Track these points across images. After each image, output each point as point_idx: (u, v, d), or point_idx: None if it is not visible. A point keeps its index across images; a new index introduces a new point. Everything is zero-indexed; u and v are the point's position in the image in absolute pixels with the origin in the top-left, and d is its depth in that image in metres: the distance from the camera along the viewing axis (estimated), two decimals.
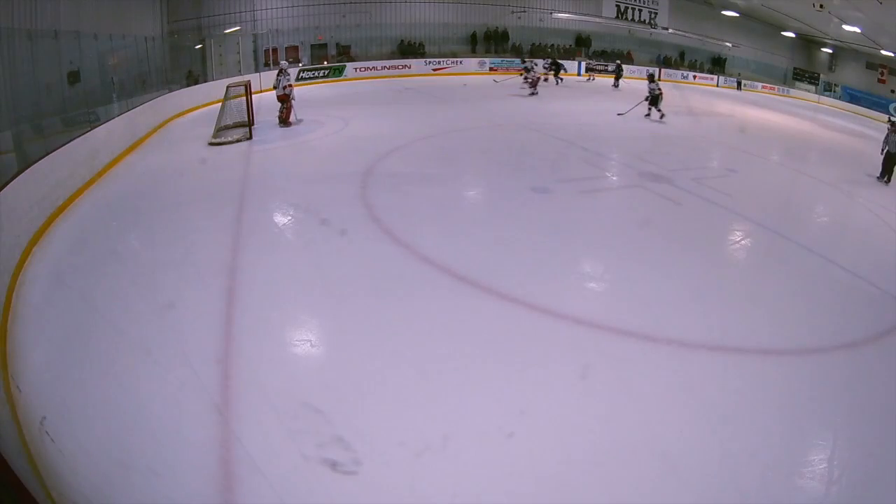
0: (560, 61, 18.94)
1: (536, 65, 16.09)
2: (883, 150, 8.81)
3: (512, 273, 4.21)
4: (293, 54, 18.12)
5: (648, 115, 12.05)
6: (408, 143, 8.54)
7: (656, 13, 22.89)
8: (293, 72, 16.93)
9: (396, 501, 2.22)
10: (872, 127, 18.90)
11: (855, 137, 15.31)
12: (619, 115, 11.78)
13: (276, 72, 9.76)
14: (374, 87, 16.17)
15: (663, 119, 11.69)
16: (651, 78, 12.55)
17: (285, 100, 9.53)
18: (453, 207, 5.93)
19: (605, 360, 3.22)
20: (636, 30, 23.02)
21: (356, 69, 18.12)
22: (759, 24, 23.66)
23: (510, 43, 21.42)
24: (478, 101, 13.86)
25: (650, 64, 23.65)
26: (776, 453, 2.57)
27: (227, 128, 9.05)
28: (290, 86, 9.60)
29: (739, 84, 24.03)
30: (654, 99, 12.06)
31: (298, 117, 10.02)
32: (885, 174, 8.74)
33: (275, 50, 17.61)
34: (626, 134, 10.23)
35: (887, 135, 8.76)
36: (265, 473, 2.26)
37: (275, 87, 9.43)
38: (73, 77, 7.92)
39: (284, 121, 9.62)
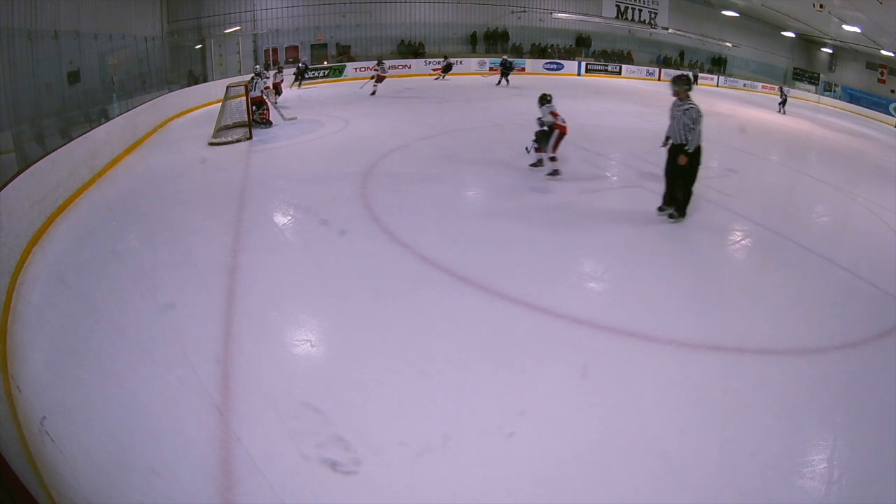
0: (307, 66, 16.37)
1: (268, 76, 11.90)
2: (666, 141, 5.28)
3: (512, 273, 4.21)
4: (293, 54, 18.14)
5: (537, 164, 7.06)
6: (408, 143, 8.54)
7: (656, 13, 22.91)
8: (286, 71, 16.92)
9: (396, 501, 2.22)
10: (872, 127, 18.93)
11: (855, 137, 15.32)
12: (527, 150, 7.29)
13: (251, 75, 9.80)
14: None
15: (554, 173, 6.79)
16: (543, 101, 6.67)
17: (261, 102, 9.57)
18: (453, 207, 5.93)
19: (605, 360, 3.22)
20: (636, 30, 23.03)
21: (356, 69, 18.14)
22: (759, 24, 23.70)
23: (510, 43, 21.44)
24: (478, 102, 13.87)
25: (650, 64, 23.61)
26: (776, 453, 2.57)
27: (227, 128, 9.07)
28: (268, 88, 9.72)
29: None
30: (542, 134, 6.80)
31: (287, 116, 10.04)
32: (671, 201, 5.46)
33: (275, 50, 17.63)
34: (626, 134, 10.23)
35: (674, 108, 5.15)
36: (265, 473, 2.26)
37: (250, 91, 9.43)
38: (73, 77, 7.93)
39: (266, 122, 9.64)
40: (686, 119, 5.00)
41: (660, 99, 17.06)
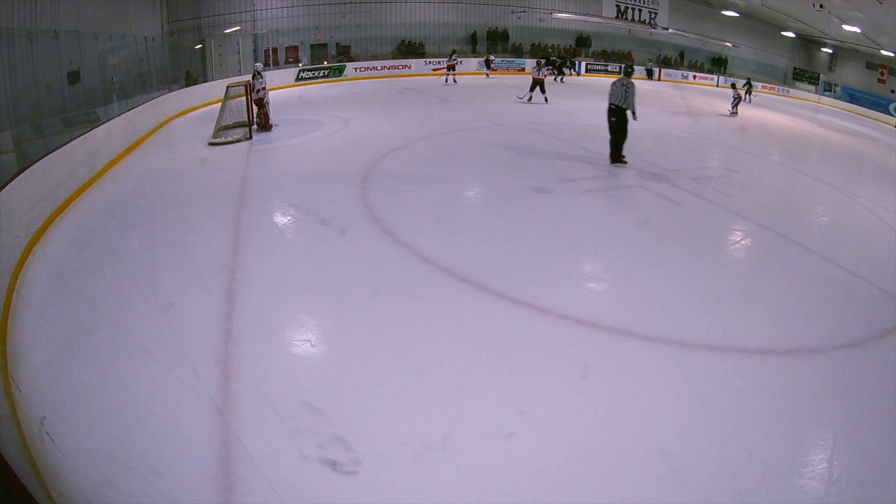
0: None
1: None
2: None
3: (512, 273, 4.21)
4: (293, 54, 18.13)
5: None
6: (408, 143, 8.54)
7: (656, 13, 22.90)
8: (292, 72, 16.88)
9: (396, 501, 2.22)
10: (872, 127, 18.93)
11: (855, 137, 15.31)
12: None
13: (251, 75, 9.40)
14: (375, 87, 16.16)
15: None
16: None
17: (259, 104, 9.22)
18: (453, 207, 5.93)
19: (605, 361, 3.22)
20: (636, 30, 23.03)
21: (356, 69, 18.15)
22: (759, 24, 23.69)
23: (510, 43, 21.45)
24: (478, 102, 13.86)
25: (650, 63, 23.56)
26: (776, 453, 2.57)
27: (227, 128, 9.05)
28: (264, 89, 9.24)
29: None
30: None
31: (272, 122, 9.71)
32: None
33: (275, 50, 17.62)
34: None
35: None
36: (265, 473, 2.26)
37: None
38: (73, 77, 7.92)
39: (264, 126, 9.29)
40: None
41: (660, 99, 17.07)
